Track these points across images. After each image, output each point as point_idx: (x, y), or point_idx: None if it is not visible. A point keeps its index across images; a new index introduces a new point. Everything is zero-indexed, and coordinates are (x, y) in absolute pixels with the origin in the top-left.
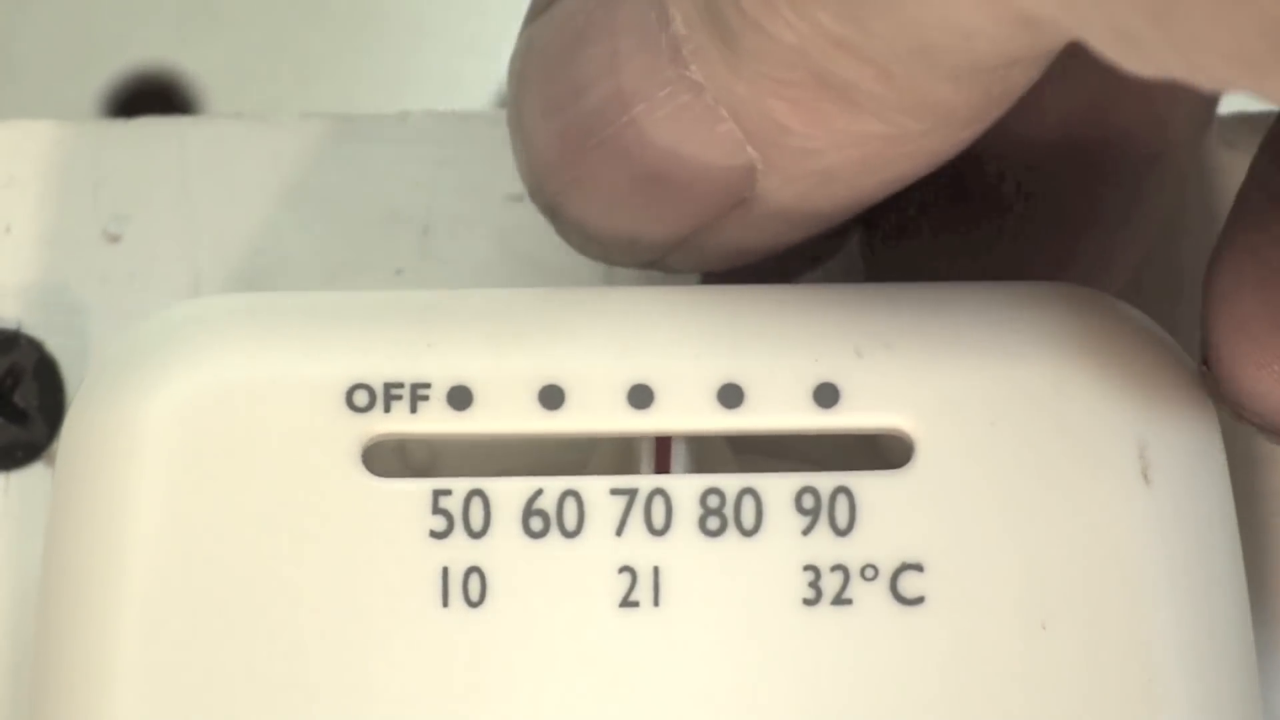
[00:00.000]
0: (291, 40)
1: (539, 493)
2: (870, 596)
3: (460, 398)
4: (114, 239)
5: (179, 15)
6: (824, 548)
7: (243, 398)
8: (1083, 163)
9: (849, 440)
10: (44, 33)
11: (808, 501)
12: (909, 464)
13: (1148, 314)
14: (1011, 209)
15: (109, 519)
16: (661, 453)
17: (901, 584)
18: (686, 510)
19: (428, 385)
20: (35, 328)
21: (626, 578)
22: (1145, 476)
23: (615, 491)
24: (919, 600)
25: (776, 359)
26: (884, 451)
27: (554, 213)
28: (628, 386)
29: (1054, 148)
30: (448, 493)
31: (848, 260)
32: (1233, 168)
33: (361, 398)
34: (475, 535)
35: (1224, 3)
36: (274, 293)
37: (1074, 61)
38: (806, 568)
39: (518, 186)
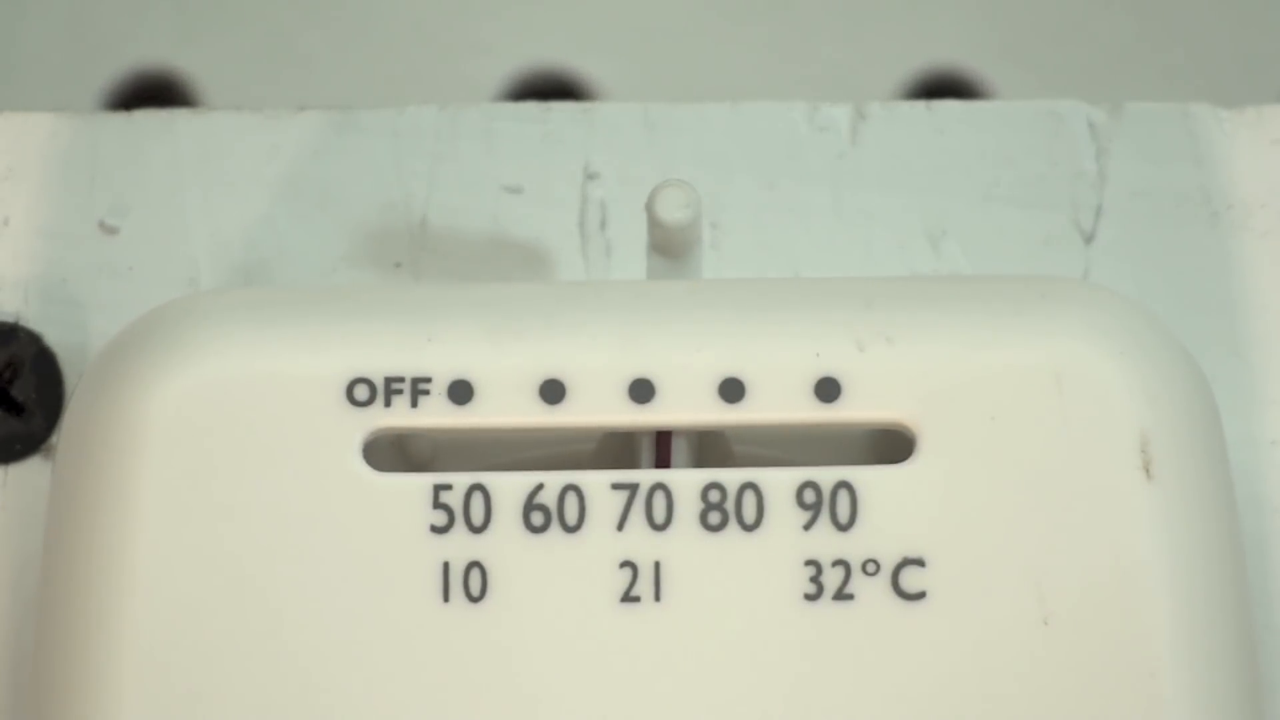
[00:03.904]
0: (291, 40)
1: (540, 487)
2: (872, 592)
3: (461, 392)
4: (111, 231)
5: (179, 15)
6: (825, 543)
7: (243, 392)
8: None
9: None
10: (43, 34)
11: (809, 496)
12: (910, 458)
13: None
14: None
15: (109, 512)
16: (662, 447)
17: (903, 579)
18: (687, 505)
19: (428, 379)
20: (34, 320)
21: (628, 573)
22: (1147, 471)
23: (616, 486)
24: (920, 595)
25: (778, 353)
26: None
27: None
28: (629, 380)
29: None
30: (448, 487)
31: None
32: (1237, 161)
33: (362, 392)
34: (476, 530)
35: None
36: (274, 287)
37: None
38: (808, 563)
39: (514, 178)
